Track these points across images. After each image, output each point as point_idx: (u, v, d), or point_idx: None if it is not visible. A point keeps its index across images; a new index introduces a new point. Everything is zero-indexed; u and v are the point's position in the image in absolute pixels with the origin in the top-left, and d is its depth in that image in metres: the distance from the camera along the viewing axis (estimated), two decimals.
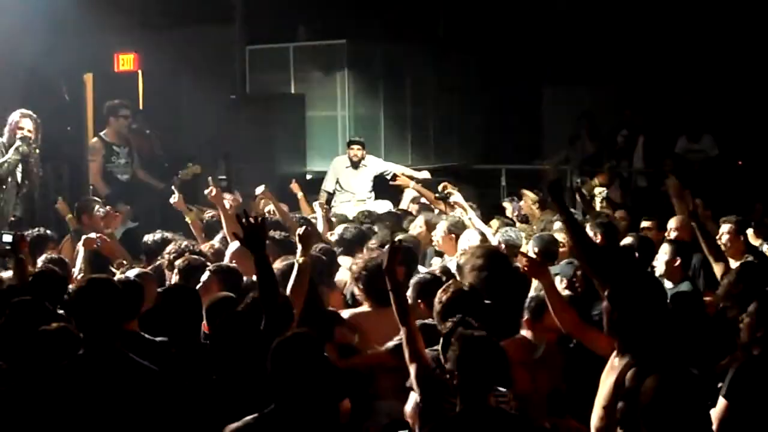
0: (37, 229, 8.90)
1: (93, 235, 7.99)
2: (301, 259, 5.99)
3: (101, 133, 10.82)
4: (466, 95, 15.08)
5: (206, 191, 8.79)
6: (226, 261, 7.19)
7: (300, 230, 6.14)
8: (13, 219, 9.88)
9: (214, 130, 13.25)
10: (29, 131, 9.86)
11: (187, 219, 9.02)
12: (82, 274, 7.45)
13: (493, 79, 15.06)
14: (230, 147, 12.65)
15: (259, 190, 9.73)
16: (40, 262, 7.62)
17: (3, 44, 11.91)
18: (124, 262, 7.70)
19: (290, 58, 13.53)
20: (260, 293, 5.36)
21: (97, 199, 10.00)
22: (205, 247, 8.00)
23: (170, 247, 7.59)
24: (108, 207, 9.38)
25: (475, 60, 15.16)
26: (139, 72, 13.21)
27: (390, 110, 13.97)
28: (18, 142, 9.74)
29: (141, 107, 13.14)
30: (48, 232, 8.87)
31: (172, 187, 9.78)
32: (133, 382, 4.66)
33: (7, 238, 7.50)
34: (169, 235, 8.37)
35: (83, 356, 4.67)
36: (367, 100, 13.72)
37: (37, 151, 10.10)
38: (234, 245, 7.21)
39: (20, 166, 9.92)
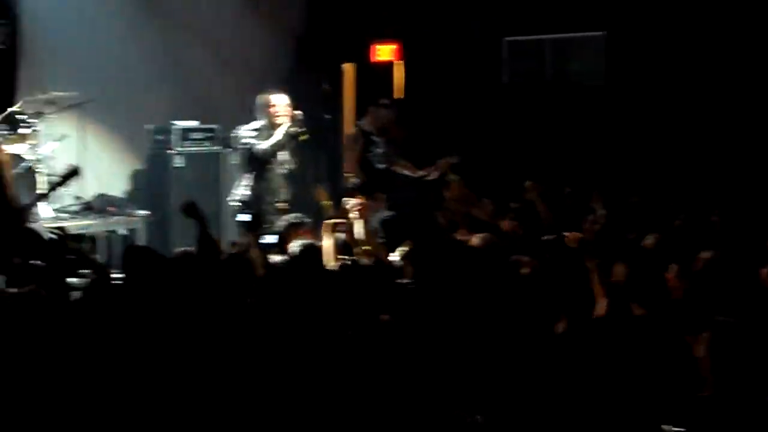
0: (294, 215, 9.20)
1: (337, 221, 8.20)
2: None
3: (359, 123, 11.02)
4: None
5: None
6: None
7: None
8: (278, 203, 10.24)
9: (474, 120, 13.28)
10: (288, 109, 10.18)
11: None
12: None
13: None
14: (489, 137, 12.67)
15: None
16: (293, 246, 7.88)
17: (265, 30, 12.39)
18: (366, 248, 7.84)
19: (545, 51, 13.36)
20: None
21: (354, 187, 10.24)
22: None
23: None
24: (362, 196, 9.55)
25: None
26: (398, 62, 13.36)
27: None
28: (287, 123, 10.06)
29: (400, 97, 13.31)
30: (302, 216, 9.12)
31: (428, 177, 9.93)
32: None
33: (245, 217, 7.74)
34: None
35: None
36: None
37: (305, 135, 10.40)
38: None
39: (286, 146, 10.27)
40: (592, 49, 12.89)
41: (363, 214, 8.44)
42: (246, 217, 8.00)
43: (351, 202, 8.71)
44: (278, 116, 10.16)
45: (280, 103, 10.22)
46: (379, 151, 10.79)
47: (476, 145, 12.67)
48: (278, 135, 10.12)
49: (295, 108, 10.24)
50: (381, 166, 10.77)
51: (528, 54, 13.41)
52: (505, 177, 11.34)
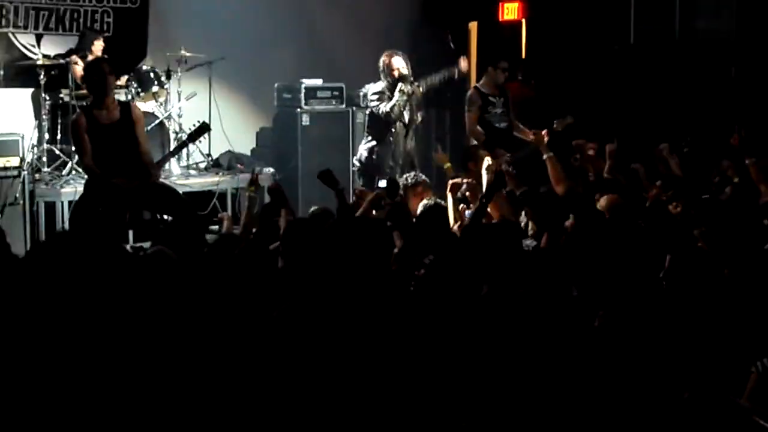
0: (413, 173, 9.24)
1: (460, 180, 8.20)
2: None
3: (477, 84, 11.00)
4: None
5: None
6: None
7: None
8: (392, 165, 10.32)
9: (599, 79, 13.14)
10: (404, 69, 10.27)
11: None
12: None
13: None
14: (614, 99, 12.53)
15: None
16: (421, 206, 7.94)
17: None
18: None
19: (676, 9, 13.13)
20: None
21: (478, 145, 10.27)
22: None
23: None
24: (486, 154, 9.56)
25: None
26: (523, 21, 13.27)
27: None
28: (399, 84, 10.13)
29: (524, 56, 13.24)
30: (422, 176, 9.15)
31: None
32: None
33: (382, 183, 7.80)
34: None
35: None
36: None
37: (420, 88, 10.49)
38: None
39: (407, 106, 10.34)
40: (722, 5, 12.63)
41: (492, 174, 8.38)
42: (383, 183, 8.07)
43: (486, 161, 8.73)
44: (397, 77, 10.24)
45: (398, 65, 10.30)
46: (498, 111, 10.75)
47: (601, 106, 12.53)
48: (396, 97, 10.20)
49: (416, 66, 10.29)
50: (501, 125, 10.74)
51: (656, 12, 13.19)
52: (629, 138, 11.20)
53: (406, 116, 10.39)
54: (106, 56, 10.75)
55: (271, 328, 4.48)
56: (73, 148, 10.79)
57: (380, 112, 10.24)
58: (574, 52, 13.15)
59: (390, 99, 10.25)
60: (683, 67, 12.60)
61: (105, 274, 4.92)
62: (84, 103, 9.87)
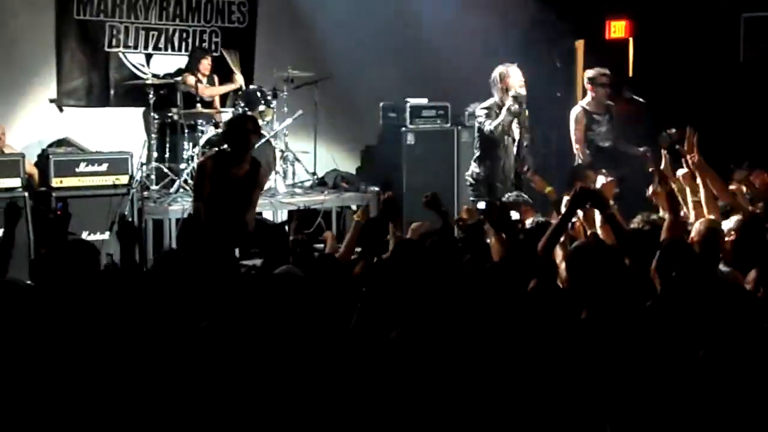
0: (515, 193, 9.15)
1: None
2: None
3: (582, 103, 10.88)
4: None
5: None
6: None
7: None
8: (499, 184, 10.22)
9: (708, 98, 12.93)
10: (520, 86, 10.10)
11: None
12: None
13: None
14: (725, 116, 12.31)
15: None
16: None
17: (494, 8, 12.32)
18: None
19: None
20: None
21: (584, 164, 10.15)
22: None
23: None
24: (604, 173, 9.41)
25: None
26: (630, 39, 13.12)
27: None
28: (509, 101, 10.01)
29: (631, 75, 13.08)
30: (525, 196, 9.06)
31: (647, 153, 9.75)
32: None
33: (481, 205, 7.73)
34: None
35: None
36: None
37: (526, 111, 10.30)
38: None
39: (514, 124, 10.22)
40: None
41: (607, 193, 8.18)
42: (482, 205, 7.99)
43: (600, 180, 8.60)
44: (511, 91, 10.07)
45: (514, 80, 10.13)
46: (602, 129, 10.62)
47: (710, 125, 12.31)
48: (502, 115, 10.06)
49: (525, 85, 10.16)
50: (605, 144, 10.60)
51: (766, 30, 12.95)
52: (737, 158, 10.98)
53: (516, 133, 10.25)
54: (251, 113, 10.89)
55: (391, 348, 4.46)
56: (181, 166, 10.97)
57: (486, 130, 10.14)
58: (683, 71, 12.96)
59: (497, 116, 10.12)
60: None
61: (221, 292, 4.99)
62: (220, 149, 9.99)
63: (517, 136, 10.23)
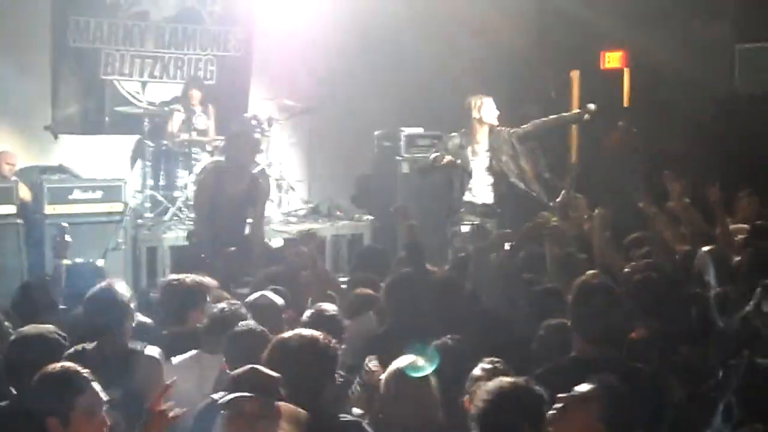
0: None
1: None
2: None
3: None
4: None
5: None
6: None
7: None
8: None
9: (701, 130, 12.95)
10: (492, 118, 10.08)
11: None
12: None
13: None
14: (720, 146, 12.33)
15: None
16: None
17: (489, 38, 12.33)
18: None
19: None
20: None
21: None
22: None
23: None
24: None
25: None
26: (626, 69, 13.16)
27: None
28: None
29: (626, 105, 13.12)
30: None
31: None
32: None
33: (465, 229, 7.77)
34: None
35: None
36: None
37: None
38: None
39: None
40: None
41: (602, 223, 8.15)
42: (465, 229, 8.05)
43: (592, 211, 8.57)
44: (483, 121, 10.04)
45: (485, 110, 10.08)
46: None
47: (705, 155, 12.33)
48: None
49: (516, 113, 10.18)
50: None
51: (761, 61, 12.98)
52: (733, 188, 10.98)
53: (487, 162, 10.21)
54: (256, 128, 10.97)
55: None
56: (175, 194, 10.95)
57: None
58: (678, 101, 12.98)
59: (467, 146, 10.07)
60: None
61: None
62: (218, 159, 10.04)
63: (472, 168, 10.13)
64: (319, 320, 5.57)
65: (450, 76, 12.49)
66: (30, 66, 11.54)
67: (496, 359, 4.89)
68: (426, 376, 4.72)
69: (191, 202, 10.35)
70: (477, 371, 4.79)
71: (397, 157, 12.05)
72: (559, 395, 4.04)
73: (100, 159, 11.72)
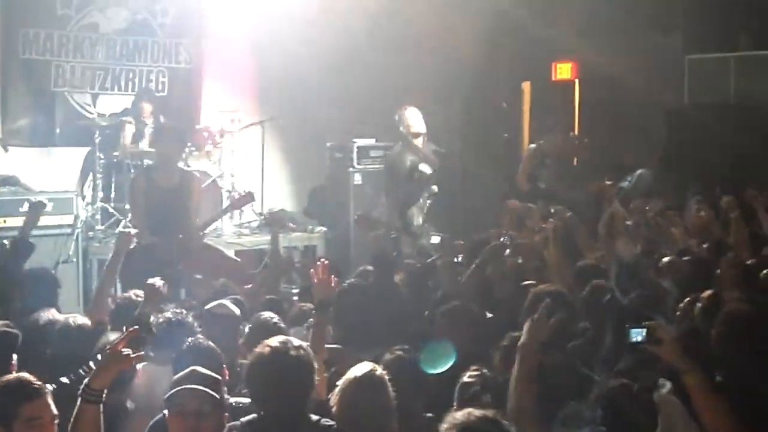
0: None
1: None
2: None
3: (540, 142, 10.98)
4: None
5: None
6: None
7: None
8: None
9: (652, 140, 13.06)
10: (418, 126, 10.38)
11: None
12: None
13: None
14: (667, 158, 12.42)
15: None
16: None
17: (441, 50, 12.38)
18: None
19: (731, 68, 13.02)
20: None
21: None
22: None
23: None
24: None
25: None
26: (576, 81, 13.25)
27: None
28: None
29: (576, 115, 13.20)
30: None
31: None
32: None
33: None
34: None
35: None
36: None
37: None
38: None
39: None
40: None
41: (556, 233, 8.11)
42: (435, 240, 8.15)
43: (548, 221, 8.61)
44: (412, 133, 10.31)
45: (412, 120, 10.38)
46: (545, 172, 10.76)
47: (655, 164, 12.44)
48: None
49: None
50: (543, 185, 10.75)
51: (711, 72, 13.09)
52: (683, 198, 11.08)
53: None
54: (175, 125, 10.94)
55: None
56: (127, 206, 10.88)
57: None
58: (628, 112, 13.09)
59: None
60: (737, 128, 12.45)
61: None
62: (146, 163, 10.06)
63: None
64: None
65: (402, 88, 12.53)
66: None
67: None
68: (383, 384, 4.72)
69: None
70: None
71: (350, 169, 12.06)
72: None
73: (50, 171, 11.63)
